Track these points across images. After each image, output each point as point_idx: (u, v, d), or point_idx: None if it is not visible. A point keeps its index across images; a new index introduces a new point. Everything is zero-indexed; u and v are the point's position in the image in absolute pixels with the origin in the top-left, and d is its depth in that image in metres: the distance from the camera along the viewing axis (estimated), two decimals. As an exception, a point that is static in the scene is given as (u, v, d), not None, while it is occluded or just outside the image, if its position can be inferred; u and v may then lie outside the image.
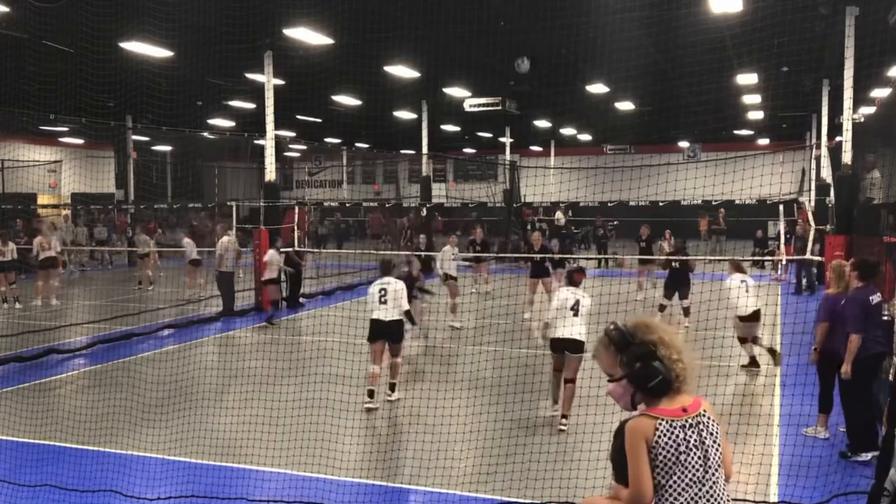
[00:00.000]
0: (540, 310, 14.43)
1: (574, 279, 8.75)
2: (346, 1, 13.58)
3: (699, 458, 2.89)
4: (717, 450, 2.95)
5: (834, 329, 7.41)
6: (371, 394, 9.03)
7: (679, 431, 2.88)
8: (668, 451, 2.86)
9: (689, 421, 2.91)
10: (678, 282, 14.16)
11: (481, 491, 6.46)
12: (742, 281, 10.67)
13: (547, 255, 15.23)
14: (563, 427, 8.06)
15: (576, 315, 8.31)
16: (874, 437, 7.12)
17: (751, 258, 22.75)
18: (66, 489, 6.48)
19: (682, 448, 2.87)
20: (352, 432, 7.75)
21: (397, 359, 9.48)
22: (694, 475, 2.88)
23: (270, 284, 15.33)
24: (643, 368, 2.92)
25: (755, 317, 10.60)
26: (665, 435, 2.87)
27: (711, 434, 2.94)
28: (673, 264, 14.42)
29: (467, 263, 19.32)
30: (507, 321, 14.26)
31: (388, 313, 9.15)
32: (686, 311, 13.82)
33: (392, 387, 9.45)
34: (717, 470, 2.94)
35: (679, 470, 2.87)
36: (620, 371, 2.99)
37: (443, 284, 15.11)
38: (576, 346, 8.22)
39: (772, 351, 10.90)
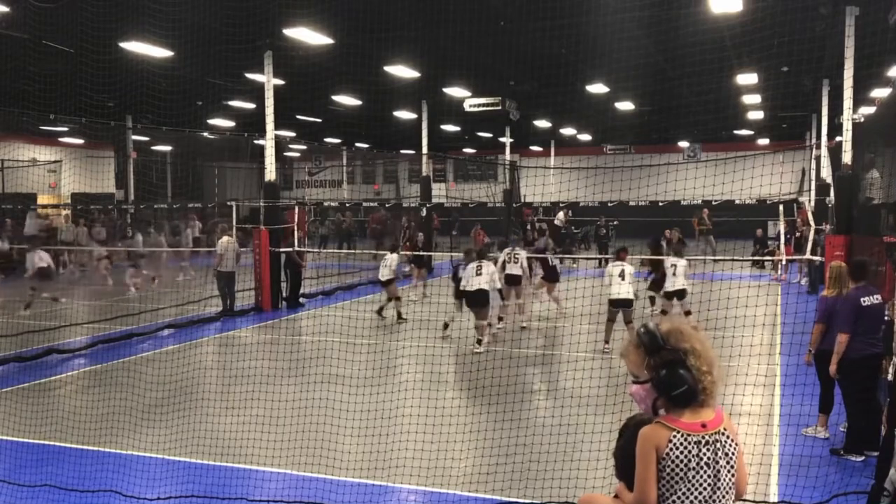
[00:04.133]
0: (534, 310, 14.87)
1: (620, 256, 12.46)
2: (346, 1, 13.59)
3: (709, 476, 2.82)
4: (729, 470, 2.87)
5: (831, 330, 7.42)
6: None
7: (693, 447, 2.81)
8: (676, 465, 2.80)
9: (706, 437, 2.84)
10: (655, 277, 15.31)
11: (481, 491, 6.46)
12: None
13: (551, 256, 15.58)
14: None
15: (623, 279, 11.80)
16: (874, 437, 7.12)
17: (750, 258, 22.80)
18: (66, 489, 6.48)
19: (693, 464, 2.81)
20: (352, 432, 7.76)
21: (482, 321, 12.28)
22: (700, 494, 2.82)
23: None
24: (669, 375, 2.84)
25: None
26: (677, 448, 2.80)
27: (727, 454, 2.87)
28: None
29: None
30: (507, 321, 14.25)
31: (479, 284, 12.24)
32: (652, 301, 15.16)
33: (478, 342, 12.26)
34: (726, 492, 2.86)
35: (685, 486, 2.81)
36: (647, 374, 2.91)
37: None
38: (628, 303, 11.82)
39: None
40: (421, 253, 19.75)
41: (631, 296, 11.87)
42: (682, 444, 2.81)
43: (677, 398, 2.85)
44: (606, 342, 12.10)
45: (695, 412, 2.85)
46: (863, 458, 7.11)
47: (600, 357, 11.51)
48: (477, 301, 12.28)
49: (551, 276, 15.28)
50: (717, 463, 2.84)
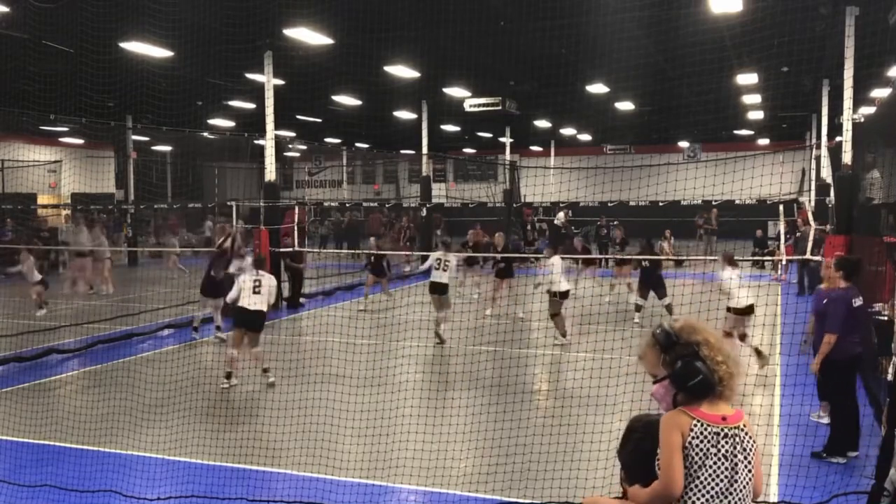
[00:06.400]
0: (500, 306, 14.76)
1: (558, 251, 13.40)
2: (346, 1, 13.59)
3: (727, 469, 2.85)
4: (746, 466, 2.89)
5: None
6: (228, 375, 10.10)
7: (712, 438, 2.85)
8: (696, 454, 2.83)
9: (725, 430, 2.87)
10: (651, 281, 14.40)
11: (481, 491, 6.46)
12: (738, 275, 10.78)
13: (514, 256, 15.53)
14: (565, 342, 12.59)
15: (562, 274, 12.66)
16: (853, 438, 7.12)
17: (751, 258, 22.79)
18: (66, 489, 6.48)
19: (711, 454, 2.84)
20: (352, 432, 7.75)
21: (256, 348, 10.23)
22: (717, 485, 2.84)
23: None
24: (684, 367, 2.90)
25: (749, 311, 10.63)
26: (698, 437, 2.84)
27: (744, 450, 2.89)
28: (643, 263, 14.66)
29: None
30: (507, 321, 14.26)
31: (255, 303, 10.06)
32: (669, 310, 13.82)
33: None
34: (744, 487, 2.88)
35: (703, 474, 2.84)
36: (664, 371, 2.97)
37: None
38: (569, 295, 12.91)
39: (758, 352, 10.68)
40: (418, 253, 19.64)
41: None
42: (702, 433, 2.85)
43: (694, 389, 2.89)
44: (565, 335, 12.57)
45: (713, 405, 2.90)
46: (845, 460, 7.09)
47: (600, 357, 11.49)
48: (253, 323, 10.10)
49: (505, 273, 15.56)
50: (735, 457, 2.87)
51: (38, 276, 15.94)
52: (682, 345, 2.93)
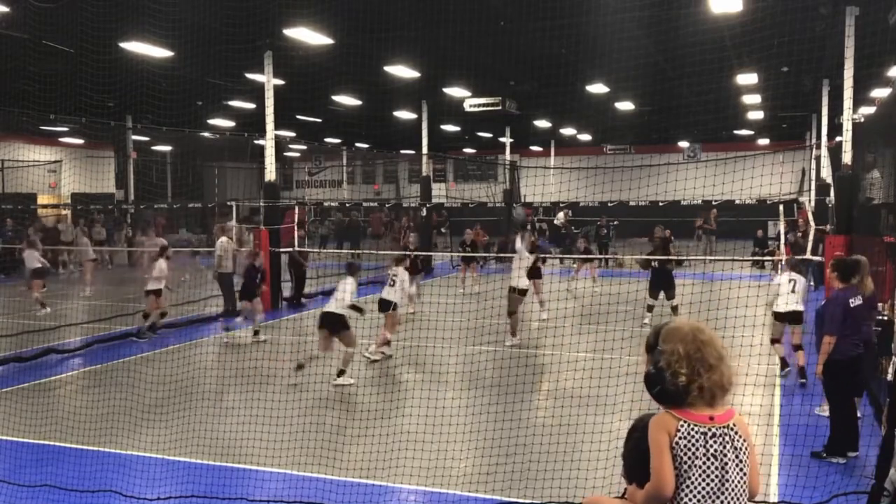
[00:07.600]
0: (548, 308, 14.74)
1: (534, 251, 13.35)
2: (346, 1, 13.60)
3: (716, 468, 2.85)
4: (737, 465, 2.88)
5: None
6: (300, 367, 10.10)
7: (699, 437, 2.85)
8: (684, 454, 2.84)
9: (713, 430, 2.87)
10: (661, 281, 14.18)
11: (481, 491, 6.46)
12: (790, 280, 10.08)
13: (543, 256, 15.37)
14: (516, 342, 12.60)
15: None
16: (853, 439, 7.13)
17: (751, 258, 22.80)
18: (66, 489, 6.48)
19: (700, 452, 2.84)
20: (352, 432, 7.75)
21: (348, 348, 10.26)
22: (708, 485, 2.84)
23: (151, 295, 13.70)
24: (649, 375, 2.95)
25: (792, 318, 9.95)
26: (685, 438, 2.85)
27: (735, 448, 2.88)
28: (653, 264, 14.44)
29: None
30: (505, 321, 14.22)
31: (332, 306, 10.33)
32: (674, 311, 13.74)
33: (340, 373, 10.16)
34: (736, 486, 2.88)
35: (693, 474, 2.84)
36: None
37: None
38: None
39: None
40: (417, 253, 19.60)
41: None
42: (688, 433, 2.86)
43: (657, 397, 2.93)
44: (514, 334, 12.65)
45: (696, 409, 2.89)
46: (845, 460, 7.09)
47: (600, 357, 11.50)
48: (327, 324, 10.25)
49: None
50: (725, 456, 2.86)
51: (37, 264, 16.05)
52: (658, 351, 2.96)
